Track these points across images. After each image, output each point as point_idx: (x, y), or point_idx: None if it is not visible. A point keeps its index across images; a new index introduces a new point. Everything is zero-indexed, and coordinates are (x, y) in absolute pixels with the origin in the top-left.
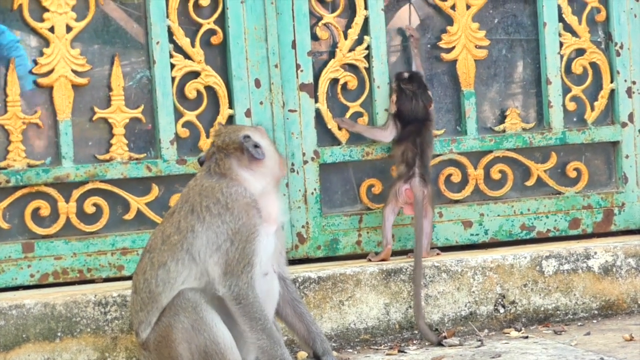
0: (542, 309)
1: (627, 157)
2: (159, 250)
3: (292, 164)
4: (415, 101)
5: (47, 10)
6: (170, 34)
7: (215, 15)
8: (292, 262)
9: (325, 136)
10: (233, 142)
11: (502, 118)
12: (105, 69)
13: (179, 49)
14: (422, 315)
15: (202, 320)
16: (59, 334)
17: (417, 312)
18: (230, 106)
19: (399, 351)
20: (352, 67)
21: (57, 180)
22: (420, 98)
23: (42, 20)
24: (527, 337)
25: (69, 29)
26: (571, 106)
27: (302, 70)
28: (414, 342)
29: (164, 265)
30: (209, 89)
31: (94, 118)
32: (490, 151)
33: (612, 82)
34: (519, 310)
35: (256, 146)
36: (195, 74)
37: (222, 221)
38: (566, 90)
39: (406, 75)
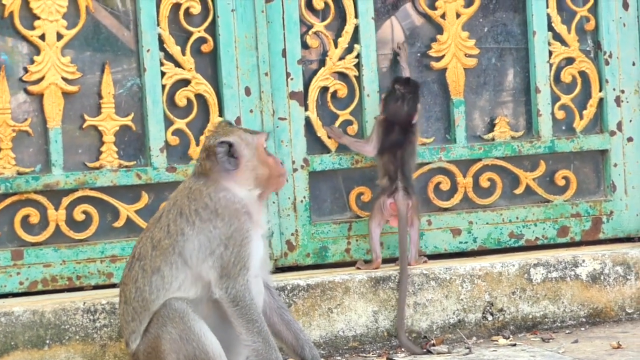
0: (531, 316)
1: (615, 165)
2: (150, 256)
3: None
4: (401, 104)
5: (38, 17)
6: (161, 41)
7: (206, 24)
8: (282, 269)
9: (315, 144)
10: (211, 147)
11: (492, 126)
12: (95, 77)
13: (169, 57)
14: (403, 328)
15: (190, 330)
16: (47, 341)
17: (399, 324)
18: (221, 114)
19: (388, 359)
20: (342, 76)
21: (47, 188)
22: (406, 103)
23: (32, 27)
24: (515, 345)
25: (59, 36)
26: (560, 115)
27: (292, 79)
28: (403, 349)
29: (158, 271)
30: (199, 97)
31: (84, 126)
32: (479, 159)
33: (600, 90)
34: (507, 318)
35: (233, 155)
36: (185, 82)
37: (213, 226)
38: (555, 98)
39: (404, 78)
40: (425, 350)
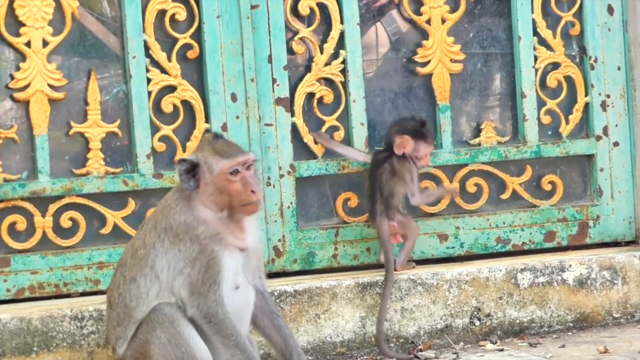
0: (518, 321)
1: (601, 170)
2: (129, 264)
3: (269, 178)
4: (390, 130)
5: (23, 24)
6: (147, 48)
7: (192, 30)
8: (269, 275)
9: (302, 150)
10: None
11: (478, 131)
12: (81, 83)
13: (155, 64)
14: (382, 335)
15: (179, 335)
16: (35, 348)
17: (378, 333)
18: (207, 120)
19: None
20: (328, 81)
21: (34, 195)
22: (401, 130)
23: (18, 34)
24: (502, 350)
25: (45, 43)
26: (546, 119)
27: (278, 85)
28: (390, 355)
29: (134, 281)
30: (186, 103)
31: (70, 132)
32: (466, 164)
33: (586, 95)
34: (494, 323)
35: (195, 175)
36: (171, 88)
37: (178, 249)
38: (541, 103)
39: (423, 122)
40: (412, 355)
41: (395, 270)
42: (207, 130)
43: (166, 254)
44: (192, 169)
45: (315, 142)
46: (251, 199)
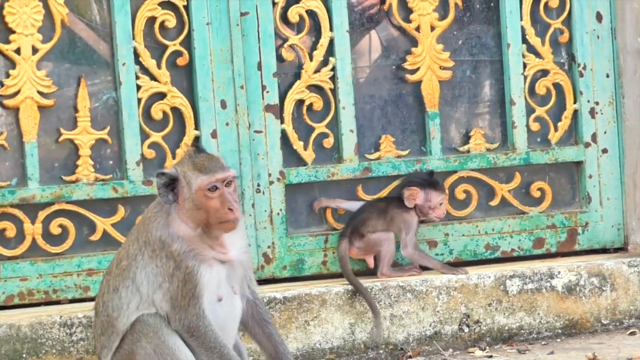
0: (507, 328)
1: (590, 177)
2: (113, 274)
3: (258, 185)
4: (405, 182)
5: (13, 31)
6: (137, 55)
7: (181, 37)
8: (258, 282)
9: (291, 157)
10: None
11: (467, 138)
12: (71, 90)
13: (145, 70)
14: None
15: (165, 345)
16: (24, 355)
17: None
18: (197, 127)
19: None
20: (317, 88)
21: (23, 202)
22: (408, 182)
23: (8, 41)
24: (491, 357)
25: (35, 50)
26: (535, 126)
27: (267, 92)
28: None
29: (117, 291)
30: (175, 110)
31: (60, 139)
32: (455, 171)
33: (575, 102)
34: (483, 329)
35: (171, 187)
36: (161, 95)
37: (155, 265)
38: (530, 110)
39: (431, 172)
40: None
41: (380, 276)
42: (197, 138)
43: (145, 267)
44: (172, 183)
45: (305, 149)
46: (228, 217)
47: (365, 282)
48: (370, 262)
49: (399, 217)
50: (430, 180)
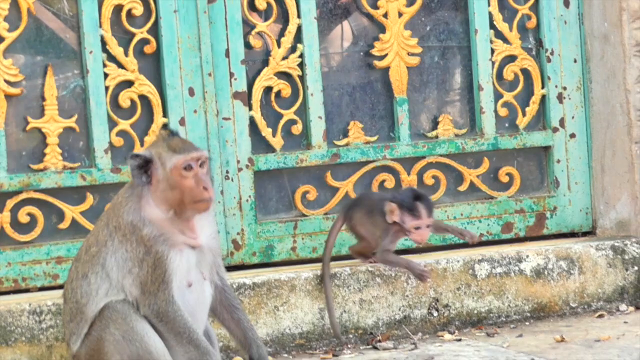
0: (475, 312)
1: (558, 161)
2: (82, 260)
3: (227, 172)
4: (390, 197)
5: None
6: (104, 43)
7: (149, 25)
8: (228, 268)
9: (260, 144)
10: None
11: (435, 124)
12: (38, 79)
13: (112, 58)
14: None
15: (133, 331)
16: None
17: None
18: (165, 115)
19: (334, 355)
20: (285, 75)
21: None
22: (392, 198)
23: None
24: (460, 340)
25: (1, 39)
26: (503, 112)
27: (235, 79)
28: (349, 346)
29: (86, 277)
30: (143, 97)
31: (27, 128)
32: (423, 157)
33: (543, 88)
34: (452, 313)
35: (147, 171)
36: (129, 83)
37: (125, 249)
38: (498, 96)
39: (419, 195)
40: (371, 346)
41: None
42: (165, 125)
43: (115, 252)
44: (145, 165)
45: (274, 135)
46: (203, 196)
47: (334, 268)
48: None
49: (382, 220)
50: (410, 203)
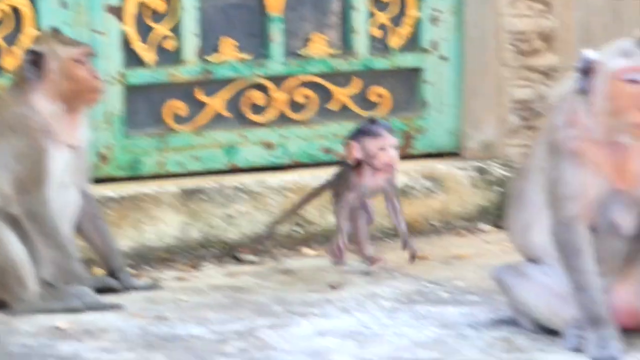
0: None
1: (428, 83)
2: None
3: None
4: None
5: None
6: None
7: None
8: (95, 182)
9: (131, 58)
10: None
11: (308, 43)
12: None
13: None
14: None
15: None
16: None
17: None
18: (37, 27)
19: (193, 267)
20: None
21: None
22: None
23: None
24: (322, 256)
25: None
26: (376, 33)
27: None
28: (211, 260)
29: None
30: (14, 9)
31: None
32: (295, 75)
33: (418, 10)
34: (317, 229)
35: (39, 66)
36: None
37: (7, 142)
38: (371, 17)
39: (373, 119)
40: (233, 260)
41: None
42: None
43: None
44: (37, 60)
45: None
46: (96, 85)
47: (199, 184)
48: None
49: (348, 178)
50: (366, 127)
